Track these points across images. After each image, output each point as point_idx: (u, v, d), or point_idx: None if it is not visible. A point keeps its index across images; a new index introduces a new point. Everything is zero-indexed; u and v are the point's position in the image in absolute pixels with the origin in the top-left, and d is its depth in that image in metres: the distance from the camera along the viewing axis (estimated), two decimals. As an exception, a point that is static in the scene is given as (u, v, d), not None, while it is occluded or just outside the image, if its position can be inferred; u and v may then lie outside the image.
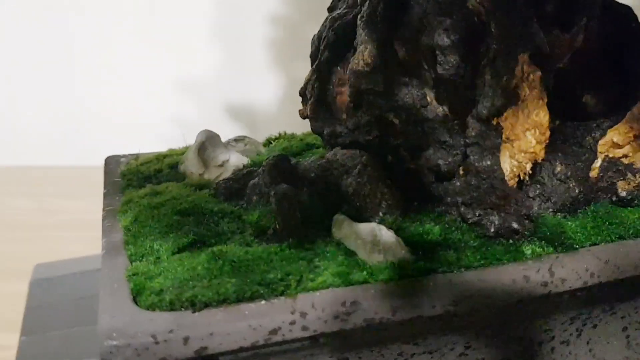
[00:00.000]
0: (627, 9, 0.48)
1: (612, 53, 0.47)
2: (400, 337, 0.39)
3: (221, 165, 0.51)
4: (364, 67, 0.41)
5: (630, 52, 0.44)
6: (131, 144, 0.80)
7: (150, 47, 0.89)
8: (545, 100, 0.36)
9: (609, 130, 0.43)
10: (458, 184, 0.39)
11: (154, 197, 0.46)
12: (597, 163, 0.43)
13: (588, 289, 0.39)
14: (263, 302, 0.34)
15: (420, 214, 0.41)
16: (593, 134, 0.43)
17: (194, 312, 0.33)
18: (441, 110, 0.41)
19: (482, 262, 0.37)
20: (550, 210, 0.41)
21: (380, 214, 0.41)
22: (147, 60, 0.89)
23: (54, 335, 0.60)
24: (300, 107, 0.48)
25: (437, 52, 0.38)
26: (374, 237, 0.38)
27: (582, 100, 0.47)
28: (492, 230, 0.38)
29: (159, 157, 0.55)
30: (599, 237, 0.40)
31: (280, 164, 0.43)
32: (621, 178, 0.43)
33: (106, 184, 0.53)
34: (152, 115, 0.90)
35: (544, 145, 0.37)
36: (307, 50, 0.48)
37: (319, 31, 0.49)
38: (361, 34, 0.42)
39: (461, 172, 0.39)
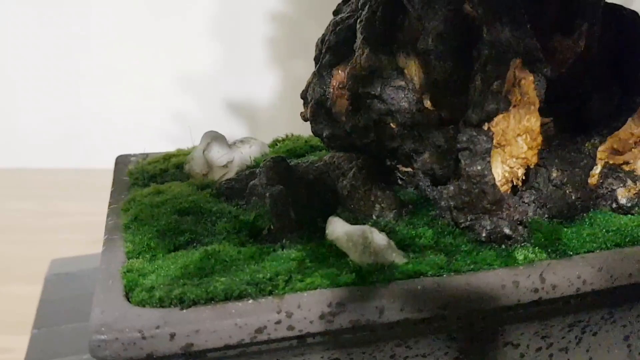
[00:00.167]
0: (634, 15, 0.47)
1: (616, 58, 0.46)
2: (392, 339, 0.39)
3: (225, 166, 0.52)
4: (360, 70, 0.42)
5: (632, 58, 0.44)
6: (135, 145, 0.81)
7: (150, 47, 0.89)
8: (537, 105, 0.36)
9: (608, 137, 0.43)
10: (452, 188, 0.39)
11: (156, 196, 0.47)
12: (597, 169, 0.43)
13: (582, 296, 0.39)
14: (250, 301, 0.35)
15: (414, 217, 0.42)
16: (592, 140, 0.42)
17: (182, 309, 0.34)
18: (436, 114, 0.41)
19: (472, 266, 0.37)
20: (546, 216, 0.41)
21: (374, 217, 0.41)
22: (148, 61, 0.89)
23: (65, 329, 0.62)
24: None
25: (432, 56, 0.38)
26: (365, 239, 0.38)
27: (586, 105, 0.47)
28: (484, 235, 0.38)
29: (166, 157, 0.56)
30: (595, 244, 0.40)
31: (277, 165, 0.43)
32: (621, 185, 0.43)
33: (114, 183, 0.54)
34: (155, 116, 0.90)
35: (535, 151, 0.37)
36: (309, 47, 0.49)
37: (323, 34, 0.50)
38: (359, 37, 0.43)
39: (454, 176, 0.39)
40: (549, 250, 0.39)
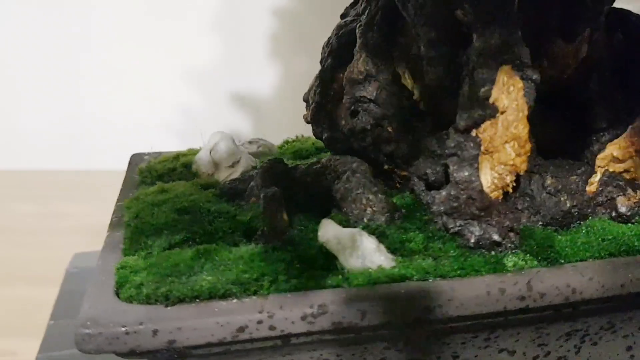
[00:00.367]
0: (640, 19, 0.47)
1: (622, 64, 0.46)
2: (382, 341, 0.39)
3: (231, 166, 0.53)
4: (357, 75, 0.42)
5: (636, 63, 0.43)
6: (137, 146, 0.81)
7: (151, 46, 0.88)
8: (526, 112, 0.36)
9: (608, 144, 0.42)
10: (444, 193, 0.39)
11: (159, 195, 0.48)
12: (596, 177, 0.42)
13: (573, 305, 0.39)
14: (234, 300, 0.35)
15: (407, 221, 0.42)
16: (591, 148, 0.42)
17: (166, 306, 0.35)
18: (431, 120, 0.41)
19: (459, 272, 0.37)
20: (540, 223, 0.41)
21: (365, 220, 0.41)
22: (150, 60, 0.88)
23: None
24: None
25: (424, 62, 0.39)
26: (354, 242, 0.39)
27: (590, 112, 0.46)
28: (472, 241, 0.38)
29: (176, 156, 0.57)
30: (588, 253, 0.39)
31: (274, 167, 0.44)
32: (621, 193, 0.42)
33: (124, 180, 0.55)
34: (158, 116, 0.89)
35: (525, 158, 0.36)
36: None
37: (328, 37, 0.50)
38: (358, 42, 0.43)
39: (446, 182, 0.39)
40: (540, 257, 0.39)
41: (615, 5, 0.46)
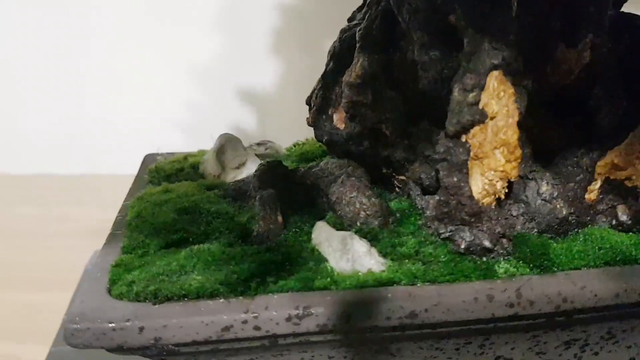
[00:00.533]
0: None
1: (628, 70, 0.45)
2: (374, 343, 0.39)
3: (237, 168, 0.54)
4: (355, 79, 0.42)
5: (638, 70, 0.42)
6: (141, 149, 0.81)
7: (154, 50, 0.87)
8: (517, 119, 0.35)
9: (609, 151, 0.41)
10: (437, 198, 0.39)
11: (163, 195, 0.49)
12: (596, 185, 0.41)
13: (565, 314, 0.38)
14: (221, 300, 0.36)
15: (401, 225, 0.42)
16: (591, 154, 0.41)
17: (154, 304, 0.35)
18: (426, 124, 0.41)
19: (448, 277, 0.37)
20: (535, 230, 0.40)
21: (358, 224, 0.41)
22: (153, 64, 0.87)
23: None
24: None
25: (417, 67, 0.39)
26: (344, 245, 0.39)
27: (595, 118, 0.45)
28: (463, 246, 0.38)
29: (186, 157, 0.58)
30: (582, 262, 0.39)
31: (272, 169, 0.45)
32: (622, 201, 0.41)
33: (135, 180, 0.57)
34: (161, 119, 0.88)
35: (515, 165, 0.36)
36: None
37: (334, 42, 0.50)
38: (357, 46, 0.43)
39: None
40: (533, 265, 0.38)
41: (623, 10, 0.46)
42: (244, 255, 0.40)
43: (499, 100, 0.35)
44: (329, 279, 0.37)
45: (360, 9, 0.51)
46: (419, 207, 0.42)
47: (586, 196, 0.41)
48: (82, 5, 0.83)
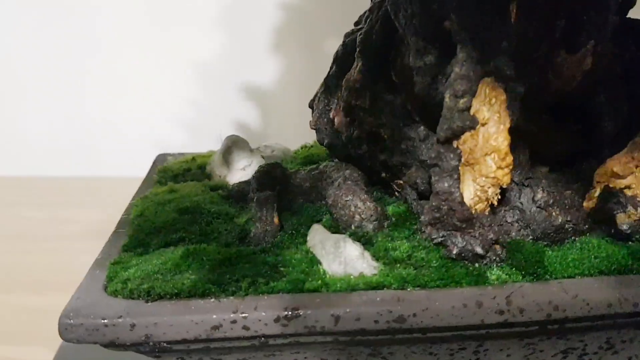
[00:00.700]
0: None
1: (632, 77, 0.44)
2: (367, 346, 0.40)
3: (243, 169, 0.55)
4: (354, 83, 0.43)
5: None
6: (142, 151, 0.81)
7: (156, 53, 0.86)
8: (508, 125, 0.35)
9: (608, 160, 0.41)
10: (430, 203, 0.39)
11: (167, 194, 0.50)
12: (595, 193, 0.41)
13: (558, 322, 0.38)
14: (212, 299, 0.37)
15: (396, 230, 0.42)
16: (589, 162, 0.41)
17: (146, 302, 0.36)
18: (422, 129, 0.41)
19: (438, 282, 0.37)
20: (530, 237, 0.40)
21: (353, 227, 0.42)
22: (156, 66, 0.86)
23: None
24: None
25: (413, 72, 0.39)
26: (337, 248, 0.39)
27: (598, 125, 0.45)
28: (455, 252, 0.38)
29: (194, 158, 0.59)
30: (577, 270, 0.38)
31: (271, 171, 0.45)
32: (621, 210, 0.41)
33: (144, 180, 0.58)
34: (164, 122, 0.88)
35: (507, 171, 0.36)
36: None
37: (338, 47, 0.51)
38: (357, 50, 0.44)
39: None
40: (526, 272, 0.38)
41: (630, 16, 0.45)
42: (239, 256, 0.40)
43: (490, 107, 0.35)
44: (320, 282, 0.38)
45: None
46: (415, 211, 0.42)
47: (584, 204, 0.41)
48: (83, 6, 0.83)
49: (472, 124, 0.35)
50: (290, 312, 0.36)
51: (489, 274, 0.38)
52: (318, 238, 0.41)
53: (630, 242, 0.41)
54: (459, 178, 0.36)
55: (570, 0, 0.39)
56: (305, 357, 0.40)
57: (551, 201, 0.39)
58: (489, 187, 0.36)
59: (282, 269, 0.39)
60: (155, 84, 0.86)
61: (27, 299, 0.55)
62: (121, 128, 0.87)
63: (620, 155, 0.40)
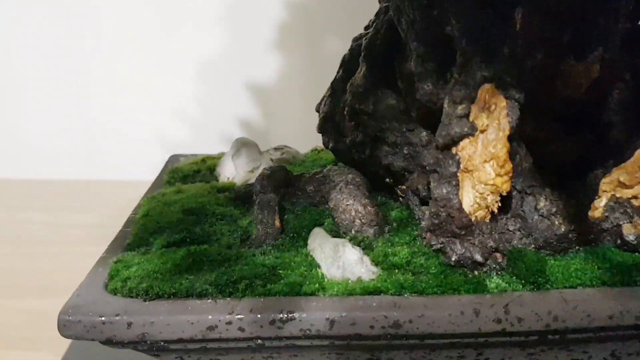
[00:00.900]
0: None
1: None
2: (364, 350, 0.39)
3: (251, 172, 0.55)
4: (358, 87, 0.43)
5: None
6: (144, 154, 0.81)
7: (158, 56, 0.85)
8: (507, 132, 0.35)
9: (614, 169, 0.40)
10: (429, 209, 0.39)
11: (174, 195, 0.50)
12: (602, 202, 0.40)
13: (557, 332, 0.37)
14: (209, 300, 0.37)
15: (397, 235, 0.42)
16: (596, 171, 0.40)
17: (144, 301, 0.37)
18: (425, 135, 0.41)
19: (436, 289, 0.37)
20: (533, 246, 0.39)
21: (353, 231, 0.42)
22: (159, 70, 0.85)
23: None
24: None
25: (414, 77, 0.39)
26: (336, 252, 0.39)
27: (608, 134, 0.44)
28: (454, 259, 0.37)
29: (204, 159, 0.60)
30: (579, 281, 0.38)
31: (274, 174, 0.45)
32: (627, 220, 0.40)
33: (155, 180, 0.59)
34: (166, 125, 0.87)
35: (506, 179, 0.35)
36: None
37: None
38: (362, 54, 0.44)
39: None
40: (527, 281, 0.38)
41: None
42: (239, 258, 0.41)
43: (489, 114, 0.35)
44: (317, 285, 0.38)
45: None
46: (417, 217, 0.42)
47: (590, 213, 0.40)
48: (84, 6, 0.82)
49: (471, 131, 0.35)
50: (285, 315, 0.36)
51: (488, 282, 0.37)
52: (318, 241, 0.41)
53: (636, 254, 0.40)
54: (457, 185, 0.36)
55: (578, 7, 0.38)
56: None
57: (554, 210, 0.38)
58: (488, 195, 0.36)
59: (280, 271, 0.39)
60: (158, 84, 0.85)
61: (30, 303, 0.54)
62: (124, 130, 0.86)
63: (627, 164, 0.40)
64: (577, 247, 0.40)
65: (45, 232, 0.70)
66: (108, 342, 0.36)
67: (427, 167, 0.37)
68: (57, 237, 0.68)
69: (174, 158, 0.65)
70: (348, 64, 0.47)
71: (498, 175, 0.35)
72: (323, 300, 0.37)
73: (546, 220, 0.39)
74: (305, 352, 0.39)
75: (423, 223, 0.39)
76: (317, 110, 0.49)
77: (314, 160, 0.57)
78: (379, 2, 0.46)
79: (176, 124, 0.86)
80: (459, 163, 0.36)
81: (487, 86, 0.35)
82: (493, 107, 0.35)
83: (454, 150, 0.36)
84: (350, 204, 0.42)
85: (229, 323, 0.36)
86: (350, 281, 0.38)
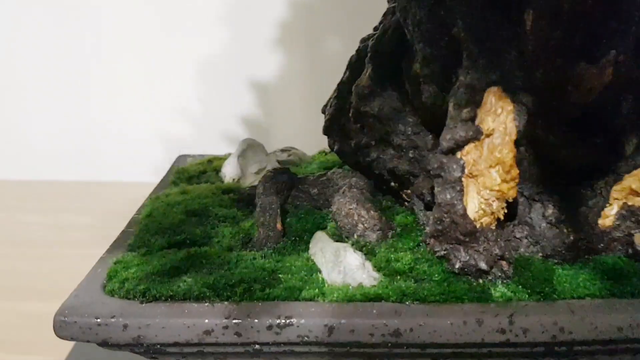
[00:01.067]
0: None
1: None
2: (362, 357, 0.39)
3: (257, 173, 0.54)
4: (363, 89, 0.42)
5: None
6: (146, 157, 0.80)
7: (159, 57, 0.84)
8: (514, 137, 0.34)
9: (626, 176, 0.39)
10: (433, 214, 0.38)
11: (178, 196, 0.50)
12: (612, 210, 0.39)
13: (564, 344, 0.36)
14: (206, 304, 0.36)
15: (401, 240, 0.41)
16: (607, 178, 0.39)
17: (141, 303, 0.36)
18: (430, 138, 0.40)
19: (438, 297, 0.36)
20: (540, 254, 0.38)
21: (355, 236, 0.41)
22: (160, 71, 0.85)
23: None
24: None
25: (420, 79, 0.38)
26: (337, 257, 0.39)
27: (621, 140, 0.43)
28: (457, 266, 0.36)
29: (210, 160, 0.59)
30: (587, 291, 0.36)
31: (277, 176, 0.45)
32: (639, 230, 0.39)
33: (162, 180, 0.58)
34: (167, 125, 0.86)
35: (512, 185, 0.34)
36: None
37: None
38: (368, 55, 0.43)
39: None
40: (533, 291, 0.37)
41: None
42: (239, 261, 0.40)
43: (496, 117, 0.34)
44: (317, 290, 0.37)
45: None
46: (421, 222, 0.41)
47: (600, 222, 0.39)
48: (84, 6, 0.82)
49: (476, 135, 0.34)
50: (283, 320, 0.35)
51: (492, 291, 0.36)
52: (319, 245, 0.40)
53: (648, 264, 0.39)
54: (462, 190, 0.35)
55: (591, 9, 0.37)
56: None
57: (563, 217, 0.37)
58: (493, 201, 0.35)
59: (280, 275, 0.39)
60: (158, 85, 0.85)
61: (30, 305, 0.52)
62: (124, 131, 0.85)
63: (638, 171, 0.38)
64: (586, 256, 0.39)
65: (45, 233, 0.69)
66: (104, 344, 0.35)
67: (431, 172, 0.36)
68: (57, 238, 0.67)
69: (181, 158, 0.65)
70: (355, 65, 0.46)
71: (504, 181, 0.34)
72: (322, 306, 0.36)
73: (554, 228, 0.37)
74: (303, 358, 0.38)
75: (427, 229, 0.39)
76: (323, 112, 0.48)
77: (321, 162, 0.56)
78: (388, 1, 0.45)
79: (176, 124, 0.86)
80: (463, 168, 0.35)
81: (493, 89, 0.34)
82: (499, 110, 0.34)
83: (458, 154, 0.35)
84: (353, 207, 0.41)
85: (226, 327, 0.35)
86: (351, 287, 0.37)
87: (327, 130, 0.47)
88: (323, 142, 0.62)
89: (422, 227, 0.41)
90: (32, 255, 0.65)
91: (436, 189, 0.36)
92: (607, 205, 0.39)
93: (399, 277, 0.38)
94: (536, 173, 0.38)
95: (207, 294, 0.36)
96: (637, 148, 0.41)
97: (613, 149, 0.43)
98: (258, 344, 0.35)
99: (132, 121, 0.87)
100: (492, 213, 0.36)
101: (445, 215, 0.35)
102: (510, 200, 0.35)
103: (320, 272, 0.39)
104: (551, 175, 0.40)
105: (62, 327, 0.35)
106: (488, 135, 0.34)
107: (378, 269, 0.39)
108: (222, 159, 0.60)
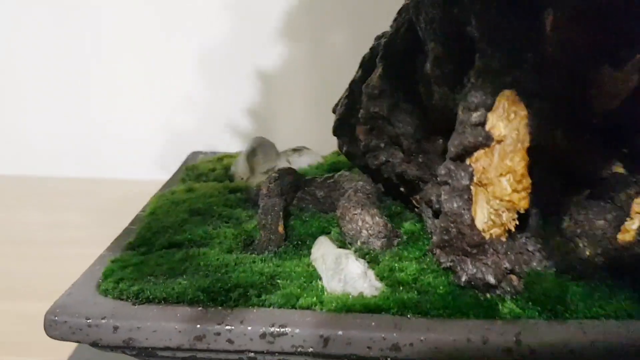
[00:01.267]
0: None
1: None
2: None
3: (266, 172, 0.53)
4: (373, 89, 0.40)
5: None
6: (146, 155, 0.79)
7: (160, 60, 0.83)
8: (526, 144, 0.32)
9: (649, 188, 0.36)
10: (439, 224, 0.36)
11: (184, 194, 0.49)
12: (634, 225, 0.37)
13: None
14: (200, 308, 0.35)
15: (407, 249, 0.39)
16: (628, 190, 0.37)
17: (134, 304, 0.35)
18: (441, 142, 0.38)
19: (442, 311, 0.34)
20: (554, 269, 0.36)
21: (359, 243, 0.39)
22: (159, 69, 0.83)
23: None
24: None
25: (431, 80, 0.36)
26: (338, 264, 0.37)
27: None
28: (464, 279, 0.34)
29: (220, 158, 0.58)
30: (602, 311, 0.34)
31: (283, 178, 0.43)
32: (662, 246, 0.36)
33: (172, 176, 0.57)
34: (166, 123, 0.85)
35: (524, 195, 0.32)
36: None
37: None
38: (379, 54, 0.41)
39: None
40: (544, 308, 0.34)
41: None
42: (237, 264, 0.39)
43: (508, 123, 0.32)
44: (315, 299, 0.35)
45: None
46: (429, 231, 0.39)
47: (619, 236, 0.37)
48: (84, 4, 0.81)
49: (486, 141, 0.32)
50: (277, 329, 0.34)
51: (500, 307, 0.34)
52: (321, 251, 0.39)
53: (670, 284, 0.36)
54: (470, 199, 0.33)
55: (615, 10, 0.35)
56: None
57: (579, 231, 0.35)
58: (503, 211, 0.33)
59: (279, 281, 0.37)
60: (158, 83, 0.84)
61: (30, 306, 0.51)
62: (124, 128, 0.85)
63: (662, 184, 0.36)
64: (603, 273, 0.37)
65: (45, 232, 0.68)
66: (94, 345, 0.34)
67: (438, 178, 0.34)
68: (57, 237, 0.66)
69: (193, 155, 0.64)
70: (368, 64, 0.45)
71: (515, 190, 0.32)
72: (319, 316, 0.34)
73: (570, 242, 0.35)
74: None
75: (433, 238, 0.37)
76: (334, 112, 0.47)
77: (332, 163, 0.54)
78: (403, -1, 0.43)
79: (179, 120, 0.85)
80: (472, 175, 0.33)
81: (507, 92, 0.32)
82: (512, 115, 0.32)
83: (467, 161, 0.33)
84: (358, 213, 0.39)
85: (218, 334, 0.34)
86: (350, 296, 0.36)
87: (336, 131, 0.45)
88: (320, 139, 0.60)
89: (430, 235, 0.39)
90: (32, 254, 0.64)
91: (443, 197, 0.34)
92: (628, 219, 0.36)
93: (401, 288, 0.36)
94: (552, 183, 0.36)
95: (201, 298, 0.35)
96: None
97: (636, 159, 0.41)
98: (251, 352, 0.34)
99: (133, 118, 0.87)
100: (502, 224, 0.34)
101: (452, 225, 0.34)
102: (522, 211, 0.33)
103: (320, 279, 0.37)
104: (567, 186, 0.38)
105: (52, 327, 0.34)
106: (499, 142, 0.32)
107: (381, 278, 0.37)
108: (233, 157, 0.58)
